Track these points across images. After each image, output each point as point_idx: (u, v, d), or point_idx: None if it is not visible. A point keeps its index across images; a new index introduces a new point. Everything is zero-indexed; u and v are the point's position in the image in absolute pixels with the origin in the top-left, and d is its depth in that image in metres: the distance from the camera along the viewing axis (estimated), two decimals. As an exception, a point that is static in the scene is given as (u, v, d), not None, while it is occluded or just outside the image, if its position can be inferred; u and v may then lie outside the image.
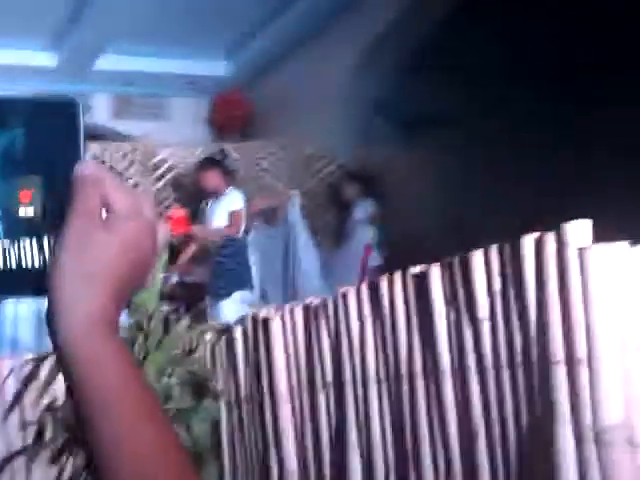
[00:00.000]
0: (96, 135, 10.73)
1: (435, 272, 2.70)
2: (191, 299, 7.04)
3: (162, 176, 9.42)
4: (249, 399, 3.77)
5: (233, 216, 7.84)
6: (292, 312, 3.47)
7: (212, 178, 8.05)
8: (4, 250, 0.76)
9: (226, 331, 4.06)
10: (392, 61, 9.47)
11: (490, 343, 2.50)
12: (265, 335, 3.62)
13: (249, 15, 9.85)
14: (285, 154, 9.95)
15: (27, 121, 0.77)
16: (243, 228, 7.93)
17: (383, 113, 9.59)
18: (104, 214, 0.77)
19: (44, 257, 0.77)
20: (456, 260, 2.64)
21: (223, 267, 7.59)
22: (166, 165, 9.48)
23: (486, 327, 2.51)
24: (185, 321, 4.11)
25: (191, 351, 4.13)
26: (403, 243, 9.11)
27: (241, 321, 3.95)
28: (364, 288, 3.06)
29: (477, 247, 2.58)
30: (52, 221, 0.76)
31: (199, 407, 3.97)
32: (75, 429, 4.00)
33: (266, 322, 3.61)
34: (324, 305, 3.27)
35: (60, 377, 4.08)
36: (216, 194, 8.00)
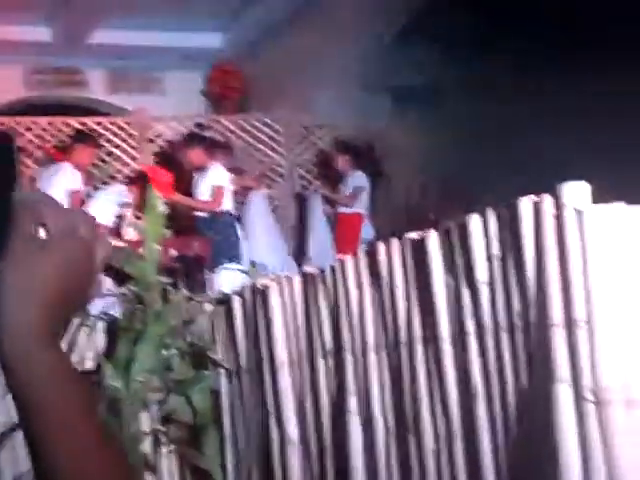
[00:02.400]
0: (91, 109, 10.72)
1: (433, 237, 2.69)
2: (189, 272, 7.08)
3: (158, 149, 9.42)
4: (249, 369, 3.77)
5: (214, 191, 7.84)
6: (290, 281, 3.47)
7: (195, 154, 8.04)
8: None
9: (225, 301, 4.06)
10: (388, 30, 9.43)
11: (489, 308, 2.50)
12: (264, 304, 3.62)
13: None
14: (281, 126, 9.93)
15: None
16: (226, 202, 7.93)
17: (378, 85, 9.55)
18: (43, 234, 0.83)
19: None
20: (453, 225, 2.64)
21: (211, 240, 7.66)
22: (162, 138, 9.48)
23: (485, 292, 2.51)
24: (183, 292, 4.11)
25: (190, 322, 4.13)
26: (396, 215, 9.12)
27: (240, 291, 3.94)
28: (362, 255, 3.05)
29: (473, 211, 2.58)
30: None
31: (199, 378, 3.98)
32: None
33: (265, 292, 3.61)
34: (322, 273, 3.27)
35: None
36: (201, 169, 8.00)
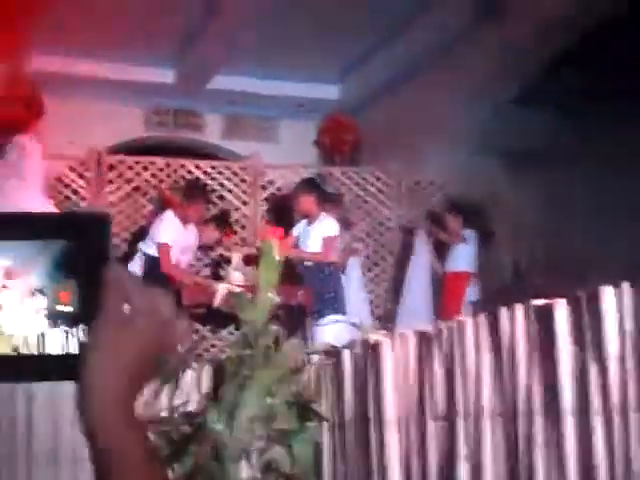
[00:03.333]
0: (206, 152, 10.91)
1: (561, 305, 2.61)
2: (291, 321, 7.07)
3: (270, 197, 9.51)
4: (354, 424, 3.72)
5: (325, 242, 7.84)
6: (404, 339, 3.42)
7: (307, 202, 8.05)
8: (44, 337, 0.95)
9: (334, 353, 4.03)
10: (504, 94, 9.37)
11: (618, 385, 2.41)
12: (375, 360, 3.57)
13: (363, 40, 9.89)
14: (393, 180, 9.92)
15: (67, 232, 0.94)
16: (335, 255, 7.93)
17: (492, 145, 9.50)
18: (127, 311, 0.93)
19: (75, 346, 0.95)
20: (584, 295, 2.56)
21: (316, 291, 7.65)
22: (274, 186, 9.56)
23: (615, 367, 2.42)
24: (294, 341, 4.09)
25: (298, 371, 4.10)
26: (502, 279, 8.99)
27: (350, 345, 3.91)
28: (482, 318, 2.99)
29: (587, 284, 2.50)
30: (85, 316, 0.94)
31: (302, 429, 3.94)
32: (178, 443, 4.01)
33: (376, 347, 3.57)
34: (438, 333, 3.21)
35: (163, 393, 4.11)
36: (310, 218, 8.01)
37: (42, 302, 0.94)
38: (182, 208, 7.95)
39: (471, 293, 8.76)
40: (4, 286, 0.95)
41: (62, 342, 0.94)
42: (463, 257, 8.89)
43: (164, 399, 4.13)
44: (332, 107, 11.10)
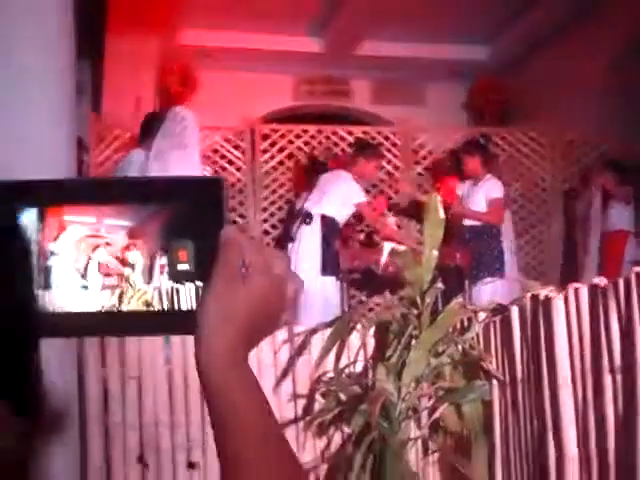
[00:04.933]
0: (354, 118, 10.92)
1: None
2: (449, 282, 7.02)
3: (422, 160, 9.46)
4: (526, 381, 3.67)
5: (493, 204, 7.77)
6: (577, 292, 3.34)
7: (472, 163, 8.00)
8: (172, 293, 1.00)
9: (501, 311, 3.98)
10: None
11: None
12: (545, 316, 3.51)
13: (506, 3, 9.69)
14: (546, 140, 9.71)
15: (184, 196, 0.99)
16: (500, 216, 7.85)
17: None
18: (243, 270, 0.97)
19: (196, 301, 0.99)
20: None
21: (478, 252, 7.58)
22: (425, 149, 9.50)
23: None
24: (459, 299, 4.06)
25: (464, 330, 4.07)
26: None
27: (518, 301, 3.85)
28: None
29: None
30: (202, 275, 0.98)
31: (470, 387, 3.91)
32: (347, 403, 4.05)
33: (547, 302, 3.50)
34: (614, 286, 3.12)
35: (331, 350, 4.15)
36: (475, 179, 7.95)
37: (164, 260, 1.00)
38: (357, 166, 7.89)
39: (631, 253, 8.51)
40: (130, 245, 1.01)
41: (185, 298, 0.99)
42: (622, 216, 8.64)
43: (330, 358, 4.17)
44: (480, 69, 10.93)
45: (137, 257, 0.99)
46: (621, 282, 3.09)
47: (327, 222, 7.45)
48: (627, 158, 8.89)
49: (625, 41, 9.18)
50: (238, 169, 8.98)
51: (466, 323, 4.13)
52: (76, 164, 4.05)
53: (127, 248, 0.99)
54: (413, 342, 3.96)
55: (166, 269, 1.00)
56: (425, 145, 9.51)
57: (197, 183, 1.01)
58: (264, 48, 10.22)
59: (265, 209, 9.05)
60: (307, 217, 7.44)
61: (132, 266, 1.00)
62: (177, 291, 1.00)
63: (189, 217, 0.98)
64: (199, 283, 0.99)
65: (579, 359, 3.32)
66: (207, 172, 7.34)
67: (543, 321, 3.52)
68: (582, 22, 9.55)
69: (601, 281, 3.24)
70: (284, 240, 7.85)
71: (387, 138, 9.30)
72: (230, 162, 8.98)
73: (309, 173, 8.47)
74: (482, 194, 7.83)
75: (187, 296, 1.00)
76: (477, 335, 4.05)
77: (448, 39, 10.54)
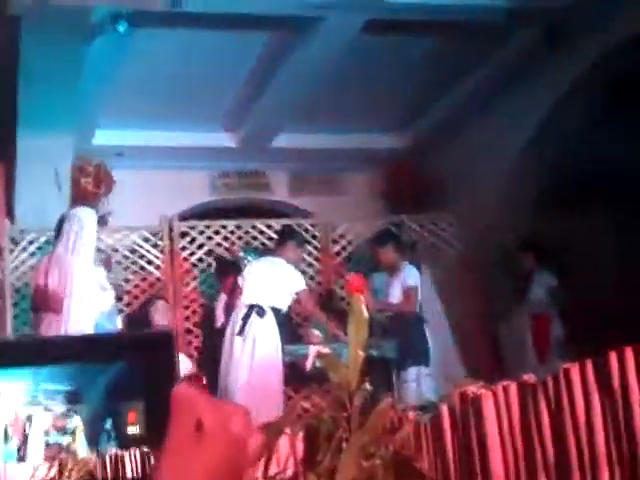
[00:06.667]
0: (273, 210, 10.93)
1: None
2: (376, 375, 6.97)
3: (341, 251, 9.46)
4: (459, 481, 3.60)
5: (408, 292, 7.78)
6: (506, 390, 3.30)
7: (387, 252, 8.02)
8: (117, 460, 0.96)
9: (430, 408, 3.92)
10: (567, 131, 9.28)
11: None
12: (475, 414, 3.46)
13: (420, 89, 9.86)
14: (462, 225, 9.82)
15: (130, 353, 0.92)
16: (417, 304, 7.86)
17: (559, 184, 9.42)
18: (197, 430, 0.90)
19: (147, 467, 0.88)
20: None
21: (400, 343, 7.56)
22: (344, 240, 9.52)
23: None
24: (388, 399, 3.99)
25: (394, 430, 4.00)
26: (585, 315, 8.78)
27: (446, 398, 3.80)
28: (589, 365, 2.87)
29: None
30: (153, 437, 0.92)
31: (404, 488, 3.82)
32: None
33: (476, 400, 3.45)
34: (543, 383, 3.09)
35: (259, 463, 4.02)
36: (391, 268, 7.97)
37: (109, 424, 0.94)
38: (287, 251, 7.84)
39: (555, 329, 8.65)
40: (70, 411, 0.95)
41: (131, 465, 0.98)
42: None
43: (259, 468, 4.04)
44: (395, 156, 11.05)
45: (78, 423, 0.92)
46: (549, 379, 3.06)
47: (277, 313, 7.41)
48: (540, 241, 9.07)
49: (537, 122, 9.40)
50: (157, 268, 8.86)
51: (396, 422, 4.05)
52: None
53: (67, 414, 0.92)
54: (344, 445, 3.88)
55: (112, 434, 0.93)
56: (345, 235, 9.53)
57: (144, 338, 0.96)
58: (179, 145, 10.19)
59: (187, 307, 8.93)
60: (259, 310, 7.34)
61: (73, 434, 0.93)
62: (122, 458, 0.94)
63: (137, 375, 0.92)
64: (146, 449, 0.95)
65: (512, 457, 3.27)
66: (101, 272, 7.22)
67: (473, 419, 3.47)
68: (493, 108, 9.74)
69: (530, 378, 3.21)
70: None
71: (306, 230, 9.30)
72: (149, 262, 8.87)
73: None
74: (398, 282, 7.85)
75: (133, 463, 0.95)
76: (408, 434, 3.98)
77: (362, 128, 10.65)
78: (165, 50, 8.33)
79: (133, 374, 0.91)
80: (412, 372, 7.38)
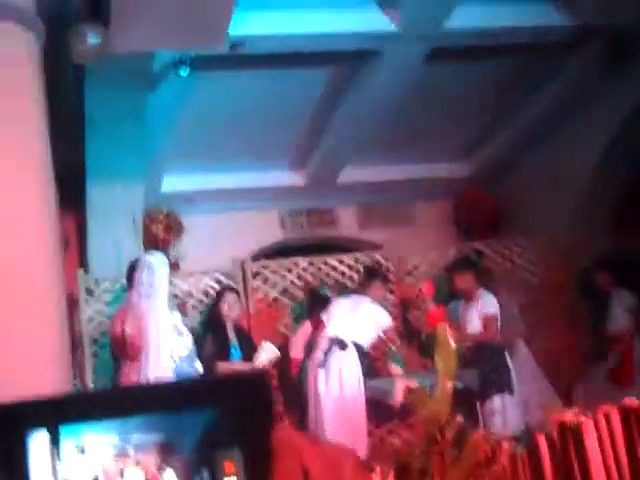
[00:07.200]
0: (343, 246, 10.87)
1: None
2: (461, 406, 6.82)
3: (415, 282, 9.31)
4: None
5: (488, 320, 7.65)
6: (607, 417, 3.17)
7: (465, 280, 7.92)
8: None
9: (524, 438, 3.79)
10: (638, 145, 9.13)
11: None
12: (575, 442, 3.32)
13: (484, 115, 9.77)
14: (538, 248, 9.63)
15: (224, 398, 0.83)
16: (497, 333, 7.71)
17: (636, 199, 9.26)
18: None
19: None
20: None
21: (481, 371, 7.40)
22: (417, 271, 9.38)
23: None
24: (480, 430, 3.88)
25: (490, 462, 3.88)
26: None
27: (543, 428, 3.66)
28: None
29: None
30: None
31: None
32: None
33: (576, 428, 3.32)
34: None
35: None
36: (469, 296, 7.86)
37: (206, 476, 0.92)
38: (373, 290, 7.90)
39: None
40: (163, 464, 0.88)
41: None
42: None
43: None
44: (463, 184, 10.94)
45: (172, 477, 0.85)
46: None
47: (359, 348, 7.39)
48: (618, 259, 8.87)
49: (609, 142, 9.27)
50: (232, 308, 8.80)
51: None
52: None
53: (160, 467, 0.85)
54: (437, 480, 3.77)
55: None
56: (419, 266, 9.40)
57: (238, 381, 0.88)
58: (246, 186, 10.21)
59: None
60: (340, 343, 7.34)
61: (167, 489, 0.85)
62: None
63: (233, 421, 0.86)
64: None
65: (618, 486, 3.13)
66: (179, 317, 7.18)
67: (573, 448, 3.33)
68: (567, 125, 9.61)
69: (632, 402, 3.07)
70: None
71: (379, 263, 9.20)
72: (224, 304, 8.81)
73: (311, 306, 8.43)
74: (475, 311, 7.73)
75: None
76: (504, 467, 3.85)
77: (427, 158, 10.57)
78: (227, 92, 8.36)
79: (226, 420, 0.87)
80: (497, 401, 7.22)
